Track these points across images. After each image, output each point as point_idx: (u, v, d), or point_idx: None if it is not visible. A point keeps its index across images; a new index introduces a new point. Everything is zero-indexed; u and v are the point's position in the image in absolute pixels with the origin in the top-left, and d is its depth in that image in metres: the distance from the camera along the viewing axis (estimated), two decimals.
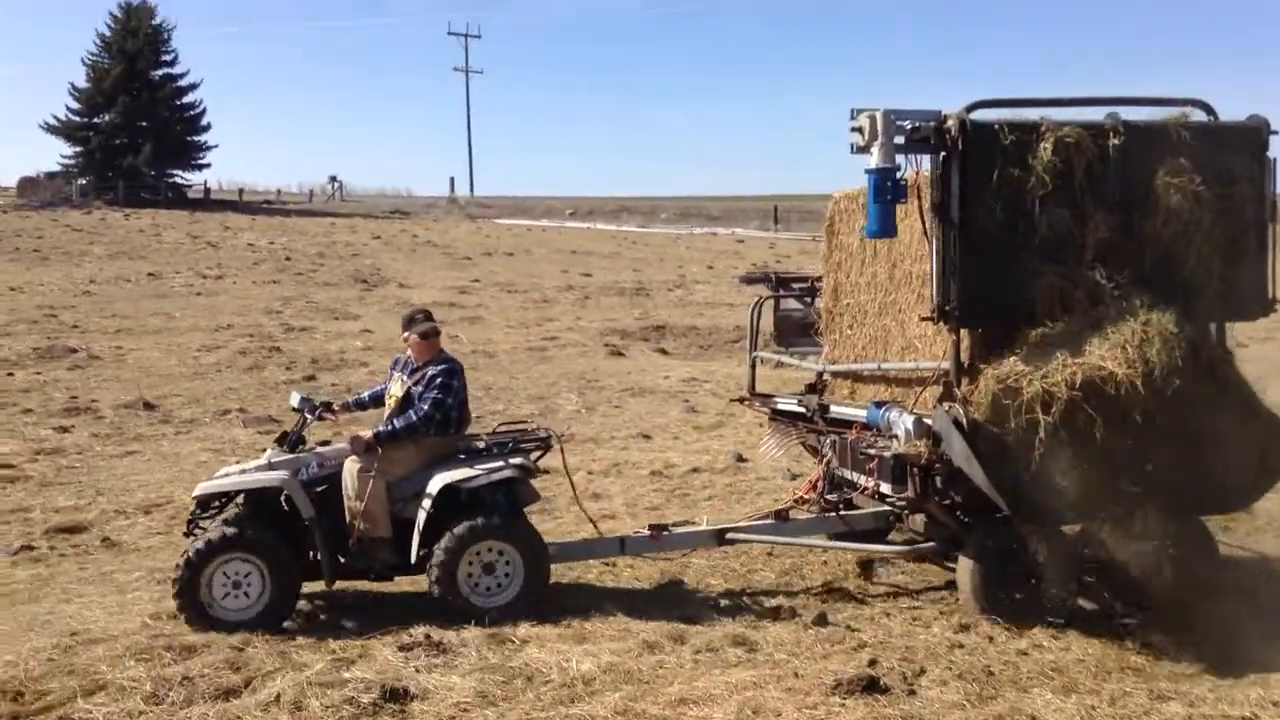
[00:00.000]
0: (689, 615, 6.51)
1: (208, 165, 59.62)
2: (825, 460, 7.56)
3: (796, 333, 9.62)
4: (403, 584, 6.96)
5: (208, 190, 58.05)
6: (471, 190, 73.74)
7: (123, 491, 10.36)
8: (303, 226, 46.00)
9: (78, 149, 55.60)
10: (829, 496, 7.70)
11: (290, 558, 6.53)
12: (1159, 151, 6.19)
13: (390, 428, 6.68)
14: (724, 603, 6.87)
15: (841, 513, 7.44)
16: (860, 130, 6.13)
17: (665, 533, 7.27)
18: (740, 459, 11.42)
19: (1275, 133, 6.43)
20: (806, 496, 8.03)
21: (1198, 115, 6.46)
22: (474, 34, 79.65)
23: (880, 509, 7.28)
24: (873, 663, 5.52)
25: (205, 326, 22.17)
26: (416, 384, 6.81)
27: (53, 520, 9.32)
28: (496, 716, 5.03)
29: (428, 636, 5.99)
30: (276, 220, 49.14)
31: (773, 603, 6.81)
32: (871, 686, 5.15)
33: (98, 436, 12.75)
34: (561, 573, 7.26)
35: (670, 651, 5.82)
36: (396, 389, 6.96)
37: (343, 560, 6.62)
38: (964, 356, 6.25)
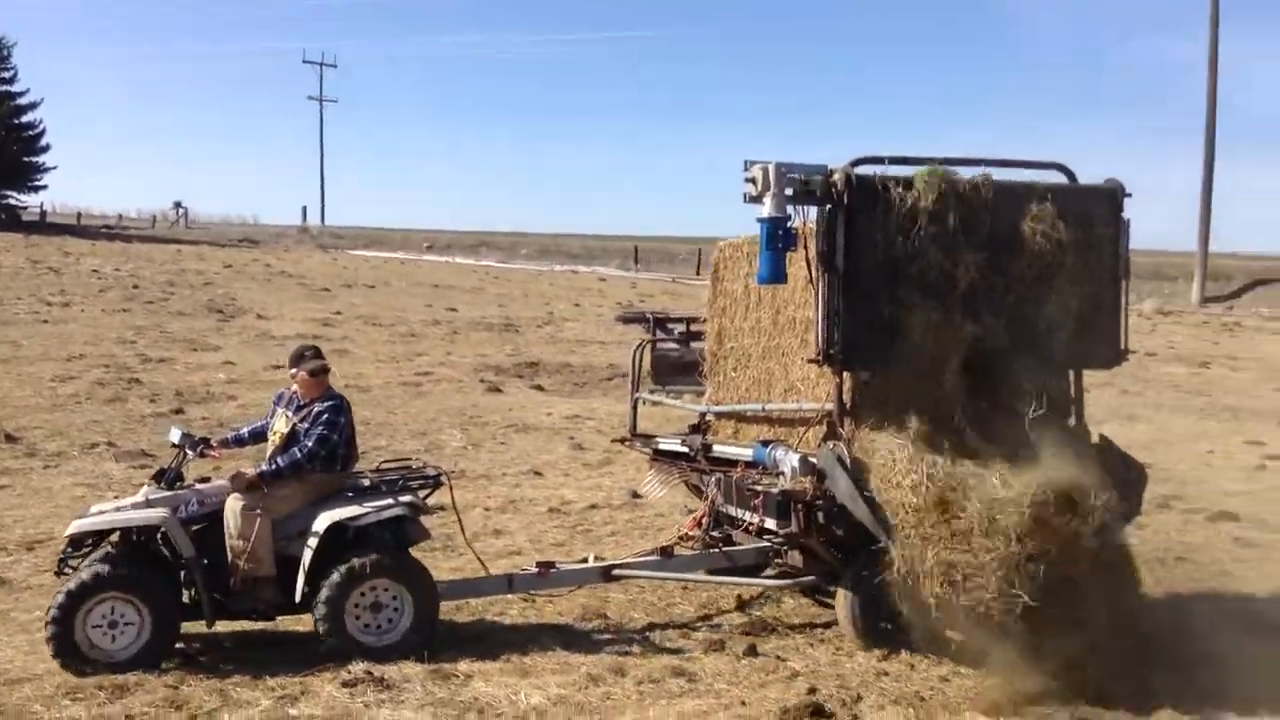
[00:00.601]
0: (622, 648, 6.65)
1: (44, 187, 56.69)
2: (709, 498, 7.78)
3: (672, 372, 9.91)
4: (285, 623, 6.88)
5: (44, 213, 55.34)
6: (323, 220, 72.37)
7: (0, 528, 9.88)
8: (148, 253, 44.40)
9: None
10: (713, 533, 7.90)
11: (170, 597, 6.39)
12: (1025, 203, 6.70)
13: (275, 466, 6.58)
14: (652, 636, 7.03)
15: (724, 549, 7.68)
16: (753, 181, 6.42)
17: (553, 569, 7.37)
18: (635, 495, 11.61)
19: (1129, 195, 6.99)
20: (690, 533, 8.25)
21: (1059, 177, 7.02)
22: (329, 63, 78.36)
23: (761, 545, 7.54)
24: (812, 690, 5.78)
25: (56, 356, 21.16)
26: (302, 420, 6.73)
27: None
28: None
29: (369, 673, 5.99)
30: (119, 246, 47.30)
31: (698, 635, 7.00)
32: (818, 713, 5.41)
33: None
34: (487, 608, 7.31)
35: (614, 683, 5.95)
36: (281, 425, 6.85)
37: (224, 600, 6.50)
38: (846, 398, 6.61)
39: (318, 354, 7.01)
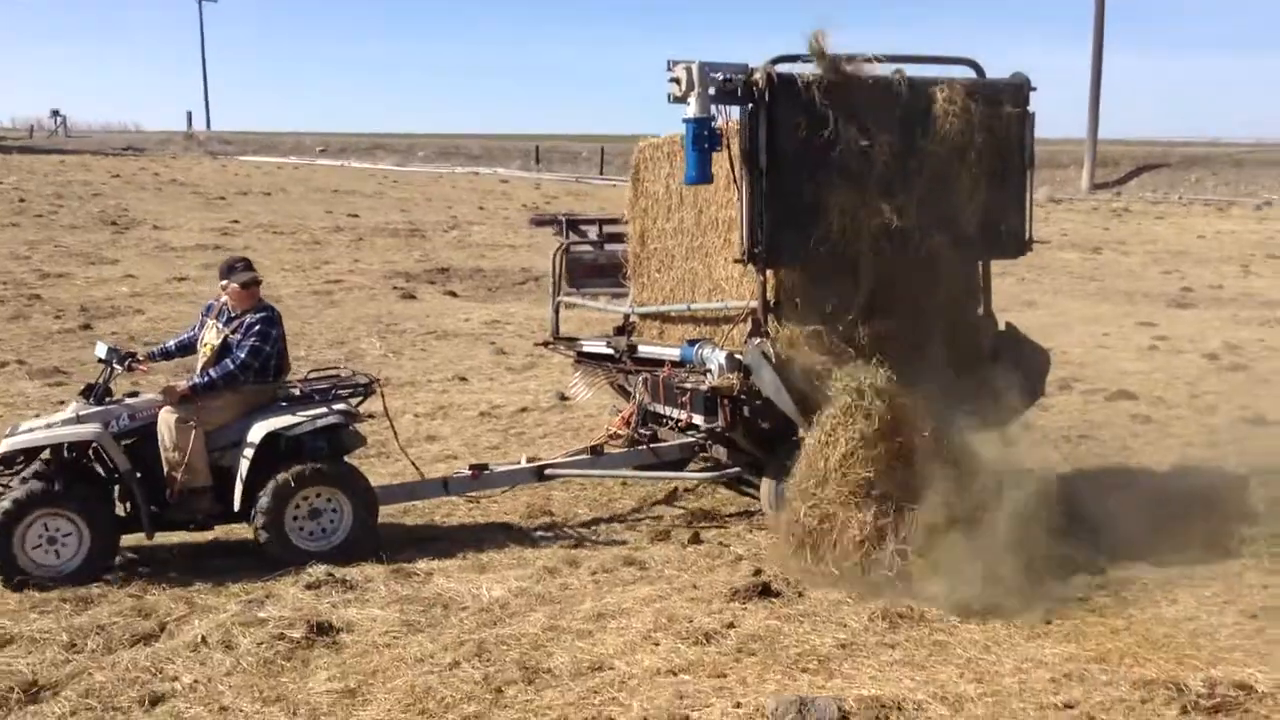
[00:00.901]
0: (571, 542, 6.92)
1: None
2: (637, 397, 7.99)
3: (588, 275, 9.98)
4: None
5: None
6: (208, 125, 69.86)
7: None
8: (29, 165, 42.42)
9: None
10: (641, 431, 8.10)
11: (105, 510, 6.45)
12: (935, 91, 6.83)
13: (207, 378, 6.62)
14: (598, 530, 7.30)
15: (651, 446, 7.87)
16: (678, 81, 6.43)
17: (486, 471, 7.51)
18: (563, 398, 11.81)
19: (1034, 89, 7.16)
20: (619, 432, 8.40)
21: (969, 73, 7.16)
22: None
23: (687, 441, 7.73)
24: (757, 572, 6.10)
25: None
26: (234, 332, 6.74)
27: None
28: (429, 641, 5.28)
29: (330, 574, 6.14)
30: (1, 157, 45.02)
31: (642, 527, 7.30)
32: (765, 592, 5.73)
33: None
34: (435, 510, 7.51)
35: (569, 575, 6.21)
36: (212, 337, 6.84)
37: (161, 511, 6.54)
38: (770, 295, 6.76)
39: (248, 265, 6.98)
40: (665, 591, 5.85)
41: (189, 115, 67.48)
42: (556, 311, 9.96)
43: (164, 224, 28.48)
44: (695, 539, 6.89)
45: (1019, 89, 7.11)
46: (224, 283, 6.95)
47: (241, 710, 4.63)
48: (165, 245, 24.94)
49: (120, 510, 6.58)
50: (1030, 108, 7.13)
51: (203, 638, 5.27)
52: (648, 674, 4.84)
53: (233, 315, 6.85)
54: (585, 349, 9.35)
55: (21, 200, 31.55)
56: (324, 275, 22.01)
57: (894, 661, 5.00)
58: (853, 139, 6.50)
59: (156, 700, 4.73)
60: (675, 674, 4.84)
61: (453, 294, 21.17)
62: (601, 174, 52.24)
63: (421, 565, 6.38)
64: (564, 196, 41.05)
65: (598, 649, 5.12)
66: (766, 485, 7.04)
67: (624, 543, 6.92)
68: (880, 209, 6.57)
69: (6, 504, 6.15)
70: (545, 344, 10.36)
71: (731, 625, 5.34)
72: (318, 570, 6.19)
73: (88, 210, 30.14)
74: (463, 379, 13.39)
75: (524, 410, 11.36)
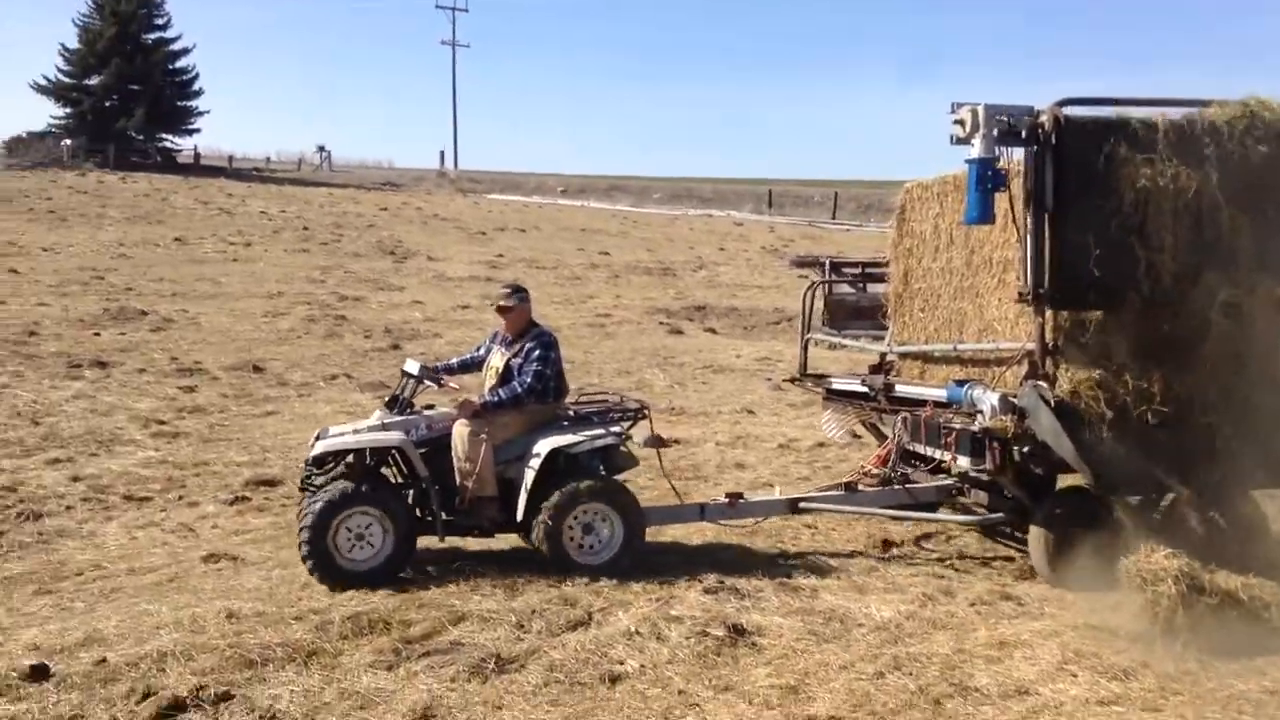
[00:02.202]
0: (937, 573, 7.11)
1: (198, 130, 59.00)
2: (895, 437, 7.91)
3: (848, 316, 10.19)
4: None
5: (198, 156, 57.53)
6: (455, 164, 73.60)
7: (285, 448, 10.77)
8: (304, 195, 45.91)
9: (68, 110, 54.89)
10: (903, 470, 7.98)
11: (410, 512, 6.94)
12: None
13: (497, 398, 7.08)
14: (958, 564, 7.46)
15: (906, 485, 7.84)
16: (962, 123, 6.49)
17: (741, 500, 7.74)
18: (855, 435, 12.03)
19: None
20: (874, 470, 8.39)
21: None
22: (461, 7, 79.18)
23: (944, 483, 7.74)
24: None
25: (257, 293, 22.39)
26: (515, 356, 7.20)
27: (241, 474, 9.76)
28: (842, 650, 5.61)
29: (721, 582, 6.56)
30: (274, 189, 48.89)
31: (998, 565, 7.42)
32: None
33: (227, 397, 13.14)
34: (780, 534, 7.88)
35: (949, 604, 6.41)
36: (496, 361, 7.31)
37: (450, 518, 6.99)
38: (1049, 337, 6.61)
39: (515, 291, 7.43)
40: (1057, 628, 5.97)
41: (441, 154, 71.43)
42: (805, 349, 10.08)
43: (436, 255, 30.36)
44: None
45: None
46: (497, 307, 7.44)
47: (697, 694, 5.06)
48: (442, 275, 26.59)
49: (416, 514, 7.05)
50: None
51: (632, 629, 5.76)
52: (1078, 702, 5.01)
53: (510, 339, 7.34)
54: (835, 386, 9.42)
55: (305, 229, 34.22)
56: (592, 309, 23.01)
57: None
58: (1138, 185, 6.33)
59: (615, 679, 5.23)
60: (1105, 704, 4.99)
61: (713, 331, 21.76)
62: (834, 218, 52.27)
63: (804, 581, 6.72)
64: (800, 240, 41.34)
65: (1016, 674, 5.32)
66: (1037, 534, 6.95)
67: (989, 578, 7.06)
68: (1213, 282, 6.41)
69: (328, 499, 6.66)
70: (792, 380, 10.48)
71: (1145, 665, 5.44)
72: (709, 578, 6.62)
73: (366, 240, 32.42)
74: (750, 412, 13.81)
75: (820, 445, 11.60)
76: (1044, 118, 6.39)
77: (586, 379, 15.82)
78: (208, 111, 64.41)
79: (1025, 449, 6.58)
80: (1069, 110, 6.45)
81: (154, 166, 52.34)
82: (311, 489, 6.94)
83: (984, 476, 7.13)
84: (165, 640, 5.63)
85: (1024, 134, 6.41)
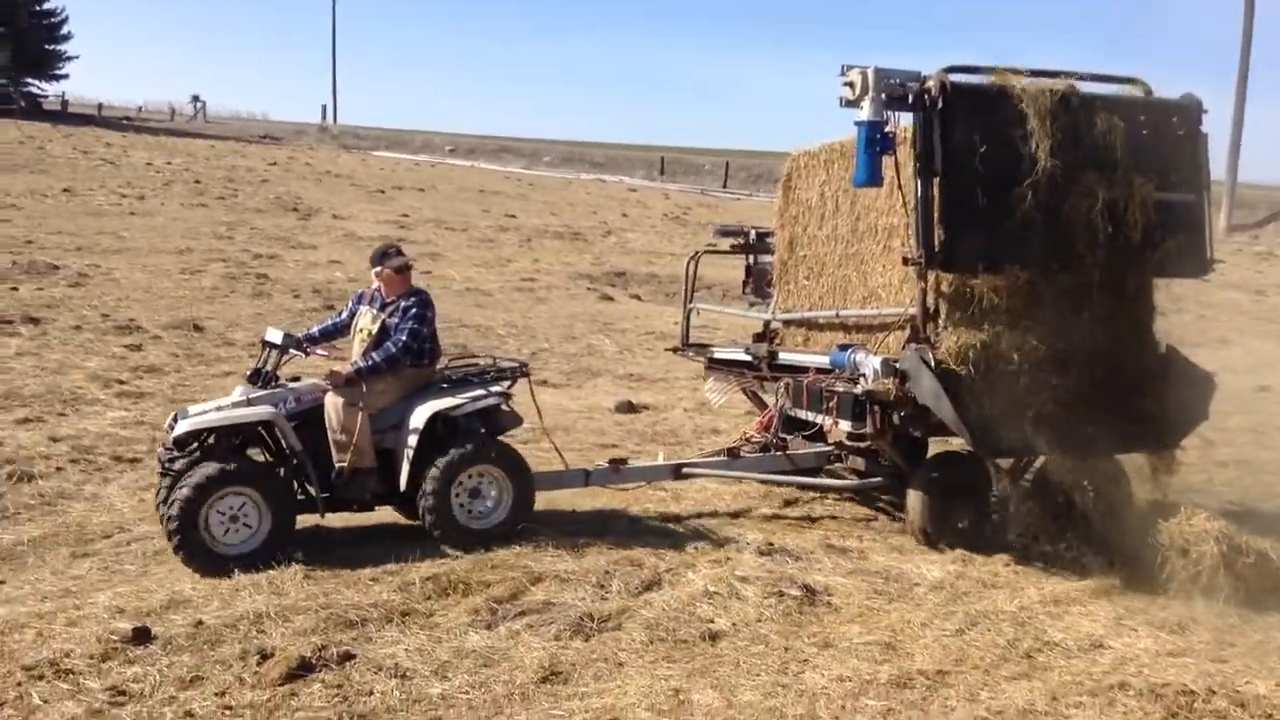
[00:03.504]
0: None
1: (65, 76, 55.96)
2: (778, 403, 7.97)
3: (771, 285, 9.86)
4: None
5: (65, 103, 54.69)
6: (334, 119, 71.72)
7: None
8: (185, 147, 44.27)
9: None
10: (783, 435, 8.04)
11: (286, 489, 6.56)
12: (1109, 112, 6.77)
13: (370, 361, 6.72)
14: None
15: (787, 452, 7.95)
16: (851, 85, 6.47)
17: (624, 465, 7.78)
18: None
19: (1206, 111, 7.14)
20: (757, 437, 8.44)
21: (1138, 92, 7.14)
22: None
23: (823, 449, 7.89)
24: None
25: (164, 249, 21.60)
26: (390, 316, 6.88)
27: None
28: (914, 608, 5.89)
29: (770, 544, 6.80)
30: (151, 139, 46.98)
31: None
32: None
33: (178, 356, 12.76)
34: (812, 502, 8.12)
35: (986, 564, 6.67)
36: (367, 322, 6.96)
37: (326, 494, 6.63)
38: (930, 302, 6.70)
39: (399, 251, 7.14)
40: (1102, 586, 6.33)
41: (323, 109, 69.46)
42: (687, 318, 10.09)
43: (340, 213, 29.66)
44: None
45: (1189, 109, 7.13)
46: (378, 269, 7.03)
47: (802, 650, 5.27)
48: (353, 234, 26.01)
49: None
50: (1203, 129, 7.16)
51: (710, 589, 5.94)
52: (1150, 654, 5.39)
53: (386, 301, 6.98)
54: (718, 355, 9.47)
55: (197, 182, 33.01)
56: (514, 272, 22.89)
57: None
58: (1024, 149, 6.50)
59: (715, 636, 5.41)
60: (1174, 656, 5.38)
61: (637, 298, 21.93)
62: (725, 187, 52.92)
63: (846, 544, 6.99)
64: (696, 207, 41.76)
65: (1082, 629, 5.68)
66: (915, 497, 7.09)
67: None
68: (1055, 221, 6.57)
69: (193, 482, 6.17)
70: (675, 350, 10.46)
71: (1194, 620, 5.89)
72: (756, 540, 6.85)
73: (264, 196, 31.46)
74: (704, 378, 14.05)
75: None
76: (930, 83, 6.49)
77: (534, 343, 15.86)
78: (76, 56, 61.27)
79: (906, 412, 6.77)
80: (955, 77, 6.56)
81: (19, 113, 49.58)
82: (172, 474, 6.45)
83: (864, 441, 7.29)
84: (252, 602, 5.58)
85: (911, 99, 6.51)
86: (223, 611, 5.48)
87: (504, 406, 7.04)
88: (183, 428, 6.51)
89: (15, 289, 16.08)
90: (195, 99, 63.49)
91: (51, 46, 53.49)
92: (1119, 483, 7.14)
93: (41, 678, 4.71)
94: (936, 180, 6.48)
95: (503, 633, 5.38)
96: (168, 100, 64.44)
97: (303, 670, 4.80)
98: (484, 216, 32.41)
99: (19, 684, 4.65)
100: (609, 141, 66.14)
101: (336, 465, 6.61)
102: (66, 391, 10.71)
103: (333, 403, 6.62)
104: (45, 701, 4.53)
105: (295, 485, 6.68)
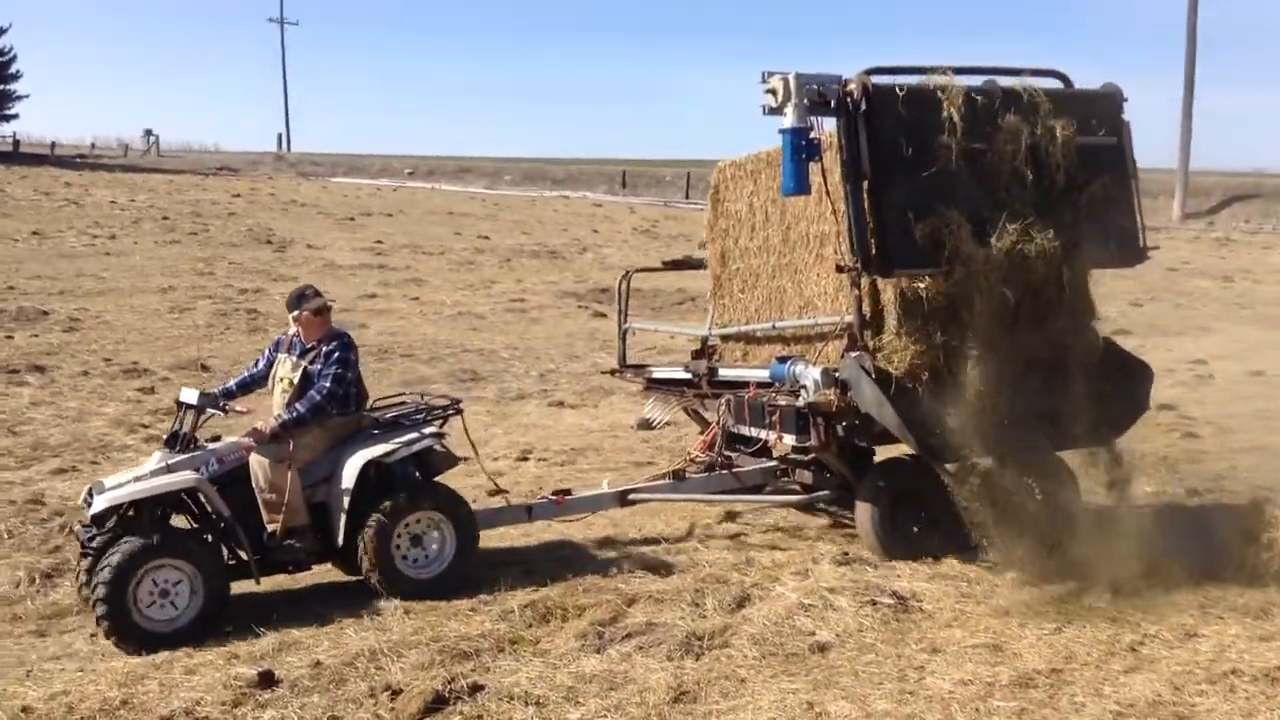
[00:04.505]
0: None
1: (15, 116, 55.14)
2: (720, 420, 7.73)
3: None
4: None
5: (17, 143, 53.88)
6: (288, 147, 71.17)
7: None
8: (145, 183, 43.71)
9: None
10: (728, 453, 7.89)
11: (217, 557, 6.27)
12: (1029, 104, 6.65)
13: (295, 413, 6.39)
14: None
15: (733, 469, 7.78)
16: (773, 92, 6.32)
17: (569, 496, 7.52)
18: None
19: (1126, 99, 7.01)
20: (701, 456, 8.18)
21: (1055, 83, 7.00)
22: None
23: (769, 465, 7.77)
24: None
25: (146, 288, 21.43)
26: (312, 363, 6.58)
27: None
28: (1002, 611, 6.04)
29: (845, 553, 6.95)
30: (108, 176, 46.30)
31: None
32: None
33: None
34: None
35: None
36: (287, 371, 6.65)
37: (259, 557, 6.32)
38: (866, 309, 6.56)
39: (317, 293, 6.83)
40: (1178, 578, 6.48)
41: (279, 136, 68.85)
42: (623, 339, 9.78)
43: (314, 243, 29.50)
44: None
45: (1111, 99, 7.04)
46: (295, 313, 6.75)
47: (914, 657, 5.39)
48: (331, 264, 25.92)
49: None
50: (1125, 117, 7.03)
51: (803, 602, 6.04)
52: (1244, 639, 5.52)
53: (306, 346, 6.68)
54: (656, 375, 9.26)
55: (165, 219, 32.66)
56: (500, 294, 22.92)
57: None
58: (947, 149, 6.39)
59: (823, 648, 5.51)
60: (1265, 640, 5.53)
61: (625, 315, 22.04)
62: (687, 198, 53.14)
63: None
64: (664, 220, 41.91)
65: (1174, 619, 5.82)
66: (863, 508, 7.04)
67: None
68: (986, 218, 6.42)
69: (116, 559, 5.84)
70: (612, 372, 10.11)
71: (1273, 604, 6.09)
72: (831, 550, 6.98)
73: (235, 229, 31.20)
74: None
75: None
76: (852, 86, 6.35)
77: (539, 364, 15.96)
78: (27, 95, 60.38)
79: (850, 422, 6.68)
80: (876, 79, 6.45)
81: None
82: (93, 552, 6.07)
83: (808, 454, 7.21)
84: (362, 640, 5.62)
85: (833, 103, 6.36)
86: (335, 651, 5.51)
87: (438, 447, 6.79)
88: (100, 503, 6.10)
89: (10, 337, 15.92)
90: (148, 133, 62.76)
91: (1, 86, 52.65)
92: (1065, 482, 7.05)
93: None
94: (865, 184, 6.33)
95: (614, 655, 5.45)
96: (116, 136, 63.63)
97: (438, 704, 4.86)
98: (457, 239, 32.35)
99: None
100: (568, 157, 66.14)
101: (268, 527, 6.30)
102: (93, 439, 10.67)
103: (258, 461, 6.29)
104: None
105: (225, 551, 6.36)
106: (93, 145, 60.27)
